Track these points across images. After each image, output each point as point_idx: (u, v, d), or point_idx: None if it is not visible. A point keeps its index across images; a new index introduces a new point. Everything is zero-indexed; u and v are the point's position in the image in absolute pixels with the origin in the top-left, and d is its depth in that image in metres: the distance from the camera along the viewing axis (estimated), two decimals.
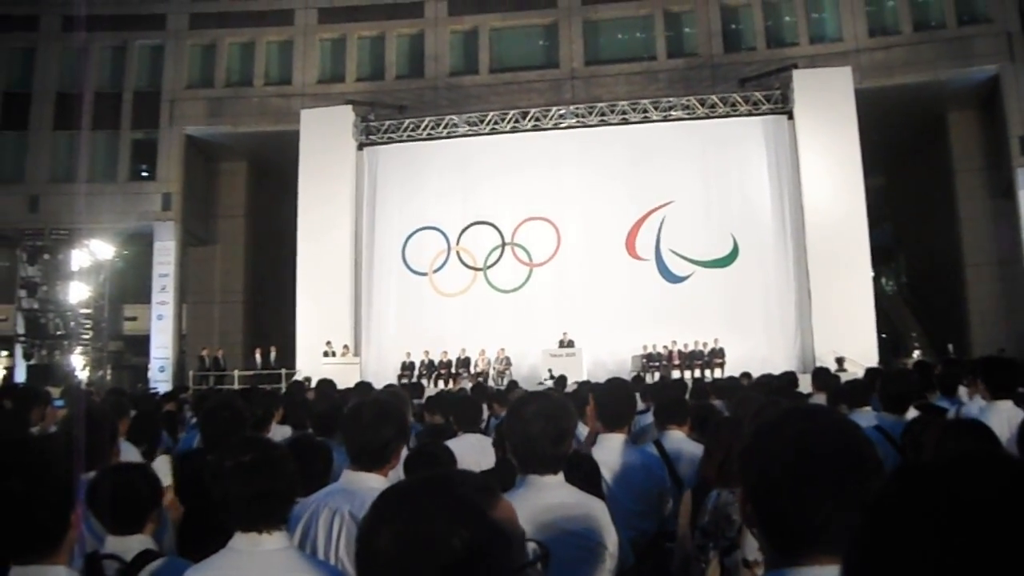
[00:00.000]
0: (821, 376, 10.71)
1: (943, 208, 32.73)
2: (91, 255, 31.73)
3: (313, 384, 12.28)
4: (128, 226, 32.82)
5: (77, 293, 31.68)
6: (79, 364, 31.67)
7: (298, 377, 23.20)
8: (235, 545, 2.78)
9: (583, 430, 5.79)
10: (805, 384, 11.04)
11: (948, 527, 0.93)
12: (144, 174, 33.69)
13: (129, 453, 5.54)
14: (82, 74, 32.46)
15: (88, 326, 32.06)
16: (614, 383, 5.33)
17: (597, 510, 3.27)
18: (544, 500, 3.10)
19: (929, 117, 32.14)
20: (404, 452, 3.99)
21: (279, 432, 6.71)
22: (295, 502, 3.17)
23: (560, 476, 3.21)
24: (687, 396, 8.91)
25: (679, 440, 5.73)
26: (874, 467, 1.70)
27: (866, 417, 6.49)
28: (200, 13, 34.00)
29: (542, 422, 3.13)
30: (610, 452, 4.77)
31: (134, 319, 34.69)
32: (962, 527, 0.92)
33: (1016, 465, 1.01)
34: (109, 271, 33.01)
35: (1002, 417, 5.31)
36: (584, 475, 3.86)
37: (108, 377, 32.78)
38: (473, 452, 5.95)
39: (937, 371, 10.07)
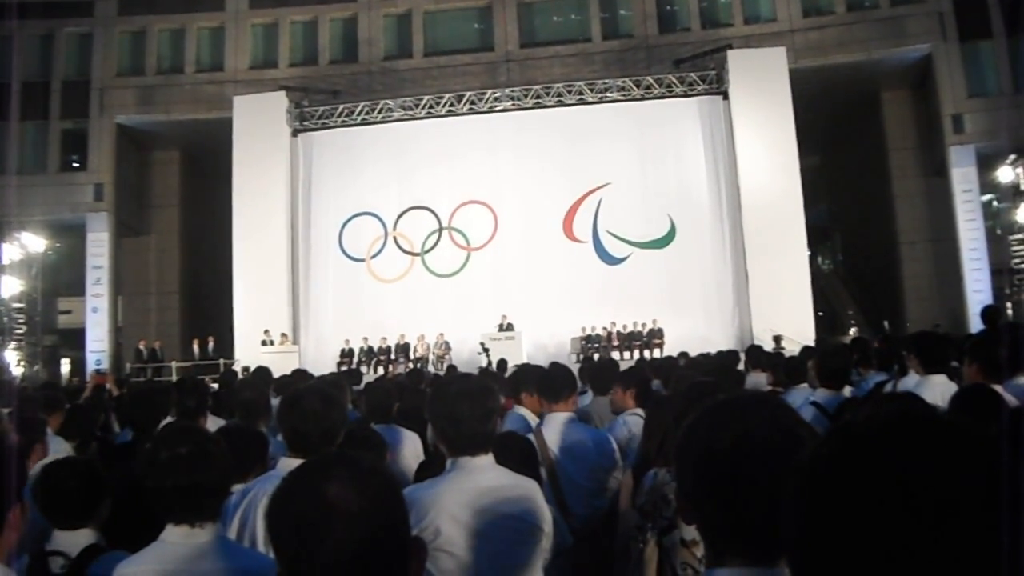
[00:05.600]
0: (754, 354, 10.81)
1: (877, 187, 33.16)
2: (22, 248, 31.06)
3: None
4: (60, 218, 32.20)
5: (9, 287, 30.98)
6: (13, 360, 31.04)
7: (236, 367, 22.97)
8: (167, 537, 2.78)
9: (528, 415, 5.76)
10: None
11: (885, 482, 0.93)
12: (75, 165, 32.99)
13: (60, 448, 5.44)
14: (8, 63, 31.80)
15: (21, 321, 31.41)
16: (553, 364, 5.51)
17: (532, 491, 3.23)
18: (477, 483, 3.07)
19: (863, 97, 32.47)
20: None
21: (213, 422, 6.57)
22: (229, 493, 3.20)
23: (490, 456, 3.16)
24: None
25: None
26: None
27: (803, 393, 6.65)
28: None
29: (467, 402, 3.10)
30: (558, 430, 4.84)
31: (68, 312, 34.08)
32: (897, 481, 0.92)
33: (943, 419, 1.02)
34: (41, 264, 32.35)
35: (935, 391, 5.38)
36: (520, 457, 3.85)
37: (64, 370, 32.47)
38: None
39: (875, 346, 10.15)
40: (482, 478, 3.09)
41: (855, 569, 0.94)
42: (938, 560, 0.90)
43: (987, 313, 10.98)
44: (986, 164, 28.62)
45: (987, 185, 29.28)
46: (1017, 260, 28.08)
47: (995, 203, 30.83)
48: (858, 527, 0.93)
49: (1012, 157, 27.63)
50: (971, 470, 0.92)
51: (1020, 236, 28.02)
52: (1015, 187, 28.05)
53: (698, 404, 1.78)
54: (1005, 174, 28.09)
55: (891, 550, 0.91)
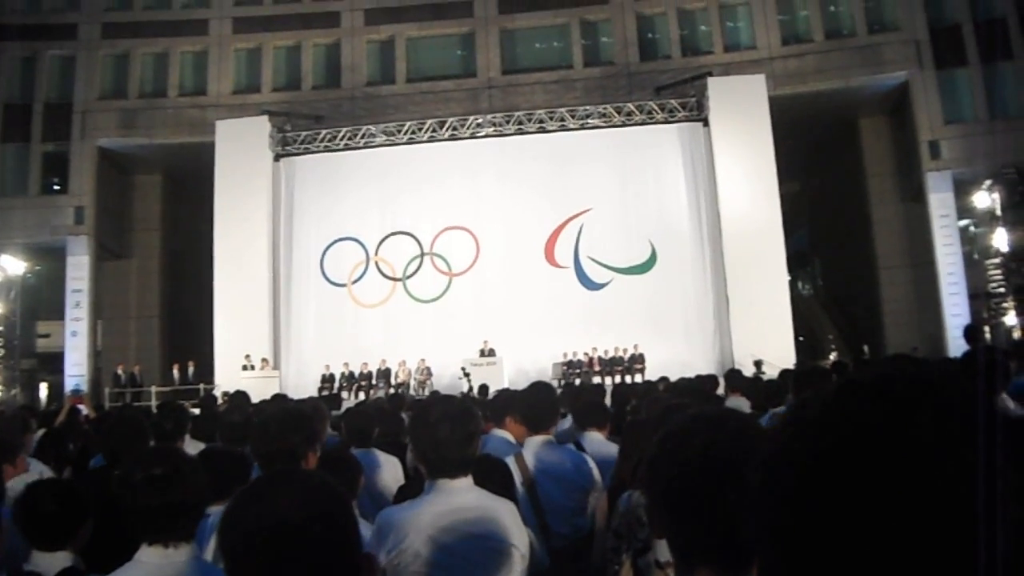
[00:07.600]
0: (733, 378, 10.81)
1: (856, 212, 33.39)
2: (1, 271, 30.86)
3: None
4: (40, 241, 31.92)
5: None
6: None
7: (216, 392, 22.83)
8: (142, 557, 2.78)
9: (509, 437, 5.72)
10: None
11: (841, 458, 0.86)
12: (56, 187, 32.86)
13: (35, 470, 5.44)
14: None
15: None
16: (536, 386, 5.34)
17: (504, 511, 3.20)
18: (454, 504, 3.08)
19: (841, 123, 32.80)
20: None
21: (193, 446, 6.56)
22: (205, 514, 3.17)
23: (469, 479, 3.16)
24: (607, 400, 8.97)
25: (598, 442, 5.68)
26: None
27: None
28: (112, 23, 33.36)
29: (449, 425, 3.08)
30: (539, 453, 4.82)
31: (47, 336, 33.80)
32: (849, 454, 0.85)
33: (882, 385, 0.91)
34: (20, 287, 32.08)
35: None
36: (498, 479, 3.83)
37: (43, 394, 32.47)
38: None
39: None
40: (458, 499, 3.10)
41: (825, 558, 0.88)
42: (894, 536, 0.82)
43: (969, 332, 11.08)
44: (963, 189, 28.86)
45: (964, 210, 29.47)
46: (994, 284, 28.28)
47: (972, 228, 31.00)
48: (818, 510, 0.87)
49: (988, 182, 27.91)
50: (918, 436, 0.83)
51: (997, 260, 28.22)
52: (991, 212, 28.29)
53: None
54: (981, 199, 28.33)
55: (856, 529, 0.84)
